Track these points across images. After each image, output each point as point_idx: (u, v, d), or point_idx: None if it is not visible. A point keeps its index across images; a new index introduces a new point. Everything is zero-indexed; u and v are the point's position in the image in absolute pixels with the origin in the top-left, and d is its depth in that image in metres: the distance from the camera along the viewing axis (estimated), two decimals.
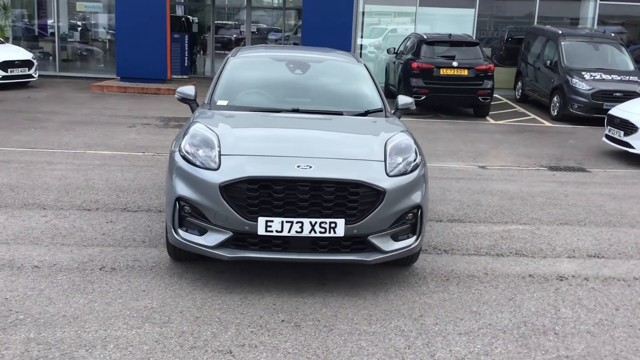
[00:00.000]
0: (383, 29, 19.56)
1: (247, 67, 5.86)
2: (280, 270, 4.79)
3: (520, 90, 16.53)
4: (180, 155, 4.51)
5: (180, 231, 4.44)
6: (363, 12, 18.81)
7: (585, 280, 5.00)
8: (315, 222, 4.23)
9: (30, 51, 16.61)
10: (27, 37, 20.49)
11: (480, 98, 13.79)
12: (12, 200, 6.38)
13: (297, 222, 4.22)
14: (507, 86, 17.37)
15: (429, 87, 13.64)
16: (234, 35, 23.19)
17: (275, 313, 4.12)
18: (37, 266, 4.72)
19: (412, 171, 4.56)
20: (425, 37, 14.41)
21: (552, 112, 14.23)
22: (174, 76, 19.45)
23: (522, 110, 15.31)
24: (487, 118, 14.27)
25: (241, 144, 4.49)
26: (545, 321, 4.22)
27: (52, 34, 20.00)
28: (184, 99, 5.39)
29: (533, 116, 14.45)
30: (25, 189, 6.84)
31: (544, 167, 9.29)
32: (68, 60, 20.21)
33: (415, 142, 4.82)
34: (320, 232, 4.25)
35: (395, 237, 4.51)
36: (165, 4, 16.90)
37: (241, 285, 4.52)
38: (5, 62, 15.13)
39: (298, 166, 4.27)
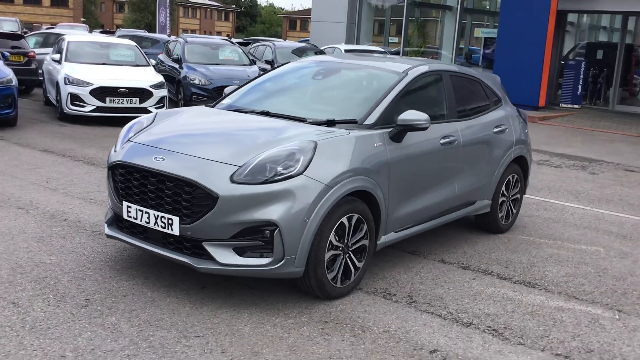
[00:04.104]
0: None
1: (286, 71, 5.78)
2: None
3: None
4: None
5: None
6: None
7: None
8: (158, 216, 4.20)
9: None
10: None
11: None
12: None
13: (145, 213, 4.27)
14: None
15: None
16: None
17: (100, 294, 4.25)
18: (46, 212, 5.89)
19: (274, 182, 4.01)
20: None
21: None
22: (564, 105, 18.34)
23: None
24: None
25: (147, 133, 4.70)
26: None
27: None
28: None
29: None
30: None
31: None
32: None
33: (305, 151, 4.14)
34: (161, 227, 4.20)
35: (241, 252, 4.07)
36: (545, 26, 16.14)
37: (150, 270, 4.74)
38: None
39: (155, 158, 4.30)
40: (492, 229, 6.30)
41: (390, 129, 4.75)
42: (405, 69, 5.28)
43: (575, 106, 18.12)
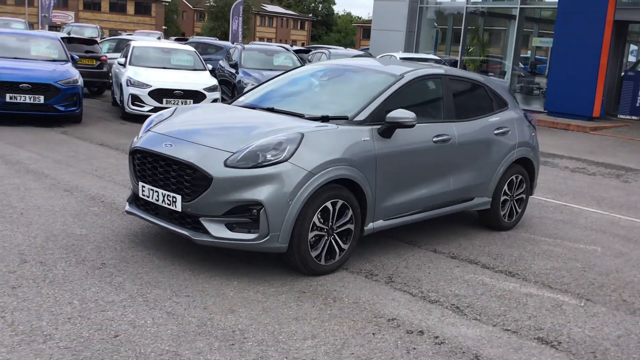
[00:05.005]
0: None
1: (297, 73, 6.36)
2: None
3: None
4: None
5: None
6: None
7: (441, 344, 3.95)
8: (165, 194, 4.87)
9: None
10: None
11: None
12: None
13: (155, 191, 4.94)
14: None
15: None
16: None
17: (114, 260, 4.94)
18: (88, 194, 6.62)
19: (262, 167, 4.59)
20: None
21: None
22: (622, 116, 18.17)
23: None
24: None
25: (164, 124, 5.37)
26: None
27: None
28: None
29: None
30: None
31: None
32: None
33: (291, 141, 4.70)
34: (167, 204, 4.86)
35: (231, 227, 4.67)
36: (601, 36, 16.11)
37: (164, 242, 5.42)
38: None
39: (165, 144, 4.96)
40: (493, 225, 6.66)
41: (380, 126, 5.24)
42: (402, 72, 5.77)
43: (634, 117, 17.88)
